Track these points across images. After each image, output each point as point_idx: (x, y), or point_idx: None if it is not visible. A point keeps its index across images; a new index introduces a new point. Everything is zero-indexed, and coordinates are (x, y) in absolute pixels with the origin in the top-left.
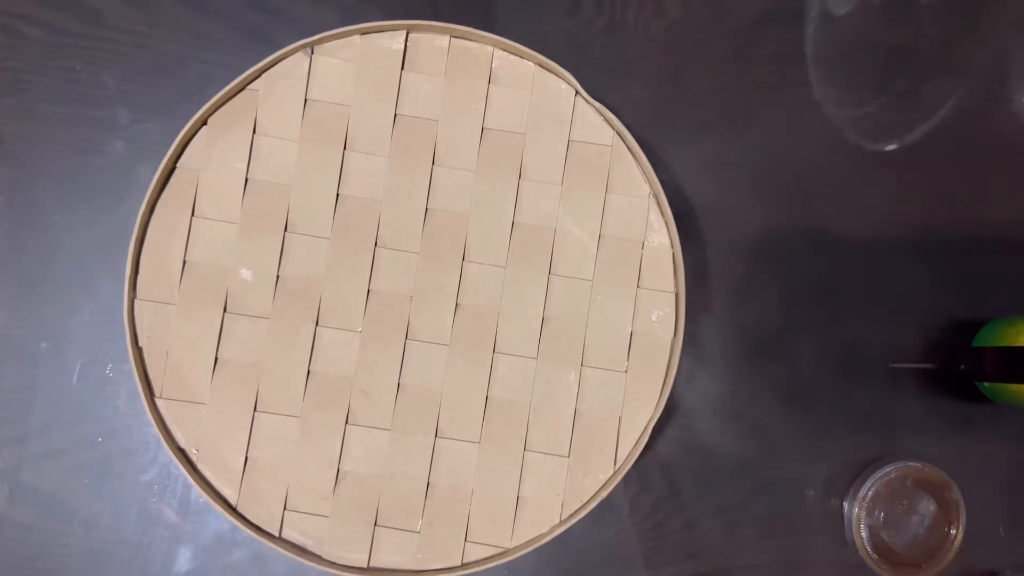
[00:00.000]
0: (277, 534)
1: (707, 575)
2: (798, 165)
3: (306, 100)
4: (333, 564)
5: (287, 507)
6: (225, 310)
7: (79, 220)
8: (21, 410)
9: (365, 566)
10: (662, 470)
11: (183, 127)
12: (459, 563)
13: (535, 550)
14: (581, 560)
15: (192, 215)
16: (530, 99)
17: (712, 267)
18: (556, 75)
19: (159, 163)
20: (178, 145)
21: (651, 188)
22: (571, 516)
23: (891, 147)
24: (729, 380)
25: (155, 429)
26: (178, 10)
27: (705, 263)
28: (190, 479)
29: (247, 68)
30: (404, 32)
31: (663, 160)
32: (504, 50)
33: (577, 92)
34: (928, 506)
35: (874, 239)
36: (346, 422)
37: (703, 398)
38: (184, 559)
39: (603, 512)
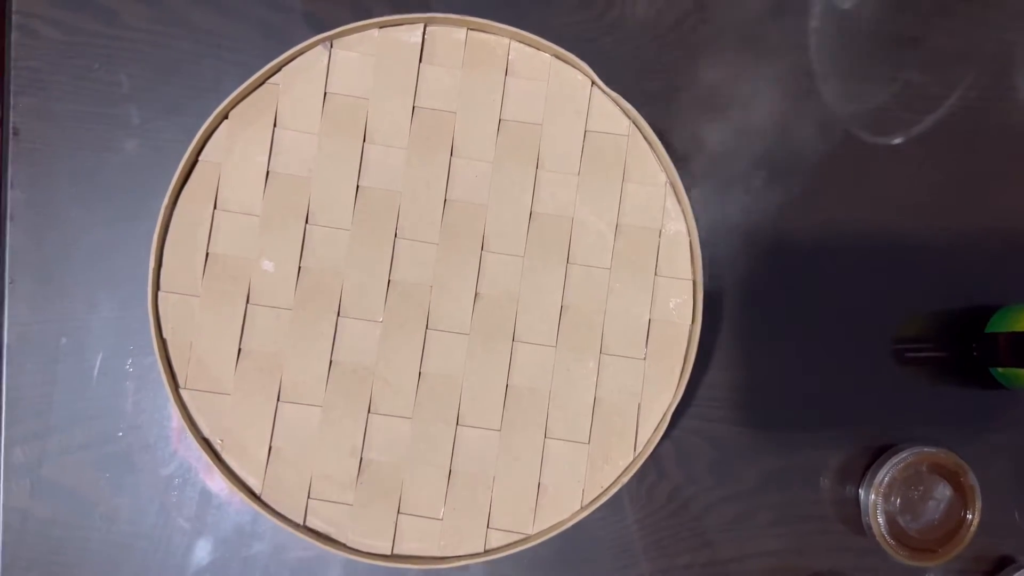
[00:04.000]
0: (302, 522)
1: (722, 562)
2: (807, 157)
3: (325, 93)
4: (357, 551)
5: (311, 495)
6: (248, 301)
7: (97, 217)
8: (42, 406)
9: (389, 553)
10: (677, 458)
11: (200, 124)
12: (482, 549)
13: (553, 537)
14: (598, 547)
15: (214, 208)
16: (546, 90)
17: (727, 256)
18: (572, 66)
19: (175, 159)
20: (199, 139)
21: (668, 176)
22: (592, 502)
23: (898, 140)
24: (742, 368)
25: (179, 420)
26: (193, 8)
27: (720, 252)
28: (215, 469)
29: (260, 65)
30: (422, 25)
31: (676, 151)
32: (520, 42)
33: (593, 83)
34: (944, 491)
35: (884, 229)
36: (368, 411)
37: (717, 386)
38: (204, 552)
39: (618, 500)
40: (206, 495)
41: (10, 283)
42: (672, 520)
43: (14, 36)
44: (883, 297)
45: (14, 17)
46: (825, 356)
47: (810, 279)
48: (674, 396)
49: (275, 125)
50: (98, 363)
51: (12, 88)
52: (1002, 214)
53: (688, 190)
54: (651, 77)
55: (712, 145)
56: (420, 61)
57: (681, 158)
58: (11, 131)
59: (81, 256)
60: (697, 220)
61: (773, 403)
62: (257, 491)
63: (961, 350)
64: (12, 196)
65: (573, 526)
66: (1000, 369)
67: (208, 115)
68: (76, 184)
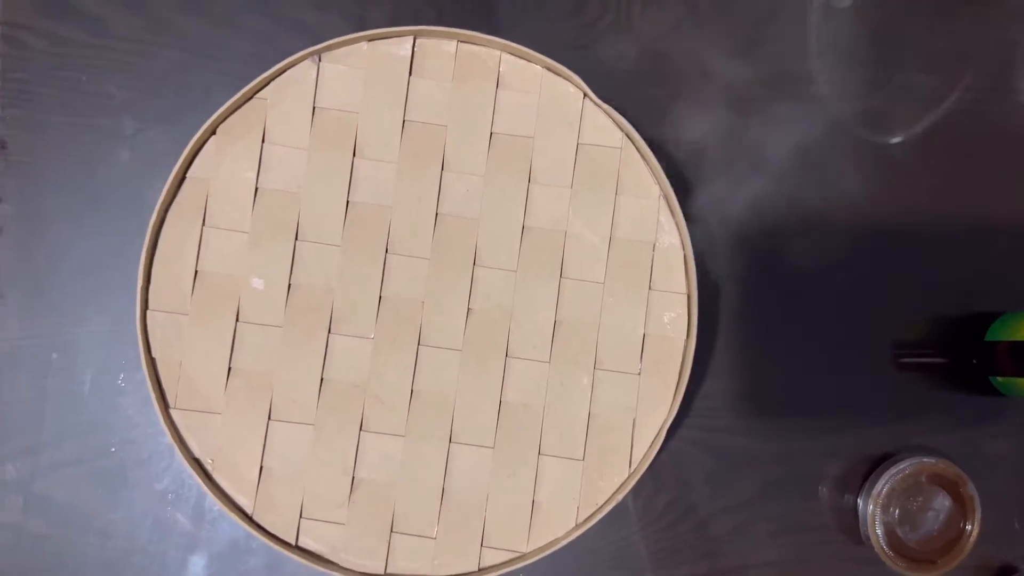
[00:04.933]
0: (293, 542)
1: (721, 573)
2: (805, 159)
3: (314, 108)
4: (350, 572)
5: (303, 515)
6: (237, 319)
7: (87, 230)
8: (34, 421)
9: (382, 573)
10: (675, 470)
11: (189, 135)
12: (476, 568)
13: (549, 553)
14: (596, 561)
15: (203, 225)
16: (538, 103)
17: (723, 265)
18: (564, 78)
19: (165, 171)
20: (187, 155)
21: (661, 189)
22: (587, 519)
23: (896, 140)
24: (740, 378)
25: (169, 439)
26: (181, 18)
27: (716, 262)
28: (205, 489)
29: (251, 75)
30: (411, 38)
31: (671, 160)
32: (511, 54)
33: (585, 95)
34: (943, 501)
35: (883, 233)
36: (360, 429)
37: (714, 397)
38: (198, 567)
39: (616, 513)
40: (200, 510)
41: (0, 297)
42: (671, 531)
43: (2, 47)
44: (882, 304)
45: (1, 28)
46: (823, 364)
47: (808, 286)
48: (669, 411)
49: (264, 140)
50: (89, 378)
51: (0, 100)
52: (1003, 219)
53: (683, 200)
54: (645, 84)
55: (709, 151)
56: (410, 74)
57: (676, 166)
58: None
59: (71, 270)
60: (693, 228)
61: (771, 412)
62: (249, 511)
63: (960, 358)
64: (1, 209)
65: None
66: (999, 378)
67: (199, 126)
68: (66, 197)
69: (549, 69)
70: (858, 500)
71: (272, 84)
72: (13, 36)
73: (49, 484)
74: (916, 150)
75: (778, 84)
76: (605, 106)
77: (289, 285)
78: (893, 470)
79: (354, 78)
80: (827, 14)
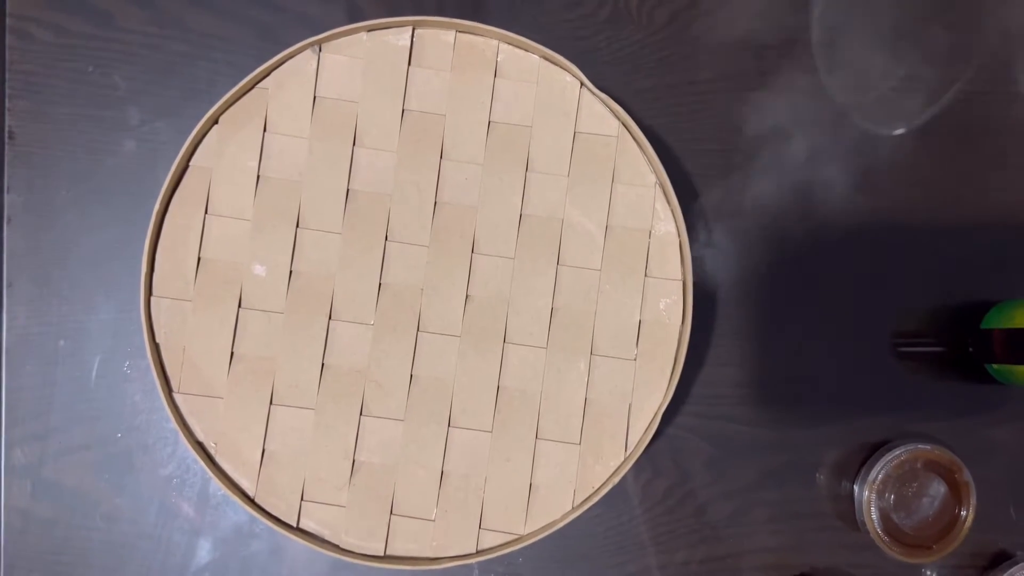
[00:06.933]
0: (295, 524)
1: (719, 559)
2: (806, 150)
3: (315, 97)
4: (350, 553)
5: (304, 498)
6: (240, 306)
7: (93, 219)
8: (42, 408)
9: (382, 554)
10: (673, 456)
11: (194, 126)
12: (474, 550)
13: (548, 536)
14: (594, 545)
15: (205, 213)
16: (536, 92)
17: (719, 254)
18: (561, 67)
19: (171, 161)
20: (190, 144)
21: (657, 177)
22: (583, 502)
23: (899, 131)
24: (738, 365)
25: (173, 424)
26: (186, 10)
27: (712, 250)
28: (209, 472)
29: (255, 66)
30: (410, 28)
31: (669, 149)
32: (509, 44)
33: (582, 84)
34: (938, 488)
35: (882, 222)
36: (360, 413)
37: (712, 384)
38: (204, 551)
39: (615, 498)
40: (205, 495)
41: (8, 286)
42: (669, 517)
43: (9, 39)
44: (879, 292)
45: (8, 20)
46: (821, 352)
47: (807, 275)
48: (665, 396)
49: (265, 129)
50: (96, 365)
51: (7, 91)
52: (1000, 209)
53: (681, 189)
54: (645, 74)
55: (707, 141)
56: (409, 64)
57: (673, 155)
58: (7, 134)
59: (78, 259)
60: (692, 217)
61: (770, 400)
62: (251, 494)
63: (956, 346)
64: (9, 199)
65: (567, 524)
66: (995, 365)
67: (203, 117)
68: (73, 187)
69: (546, 59)
70: (854, 486)
71: (273, 74)
72: (20, 28)
73: (57, 469)
74: (918, 141)
75: (779, 74)
76: (602, 95)
77: (290, 272)
78: (888, 456)
79: (354, 68)
80: (829, 4)
